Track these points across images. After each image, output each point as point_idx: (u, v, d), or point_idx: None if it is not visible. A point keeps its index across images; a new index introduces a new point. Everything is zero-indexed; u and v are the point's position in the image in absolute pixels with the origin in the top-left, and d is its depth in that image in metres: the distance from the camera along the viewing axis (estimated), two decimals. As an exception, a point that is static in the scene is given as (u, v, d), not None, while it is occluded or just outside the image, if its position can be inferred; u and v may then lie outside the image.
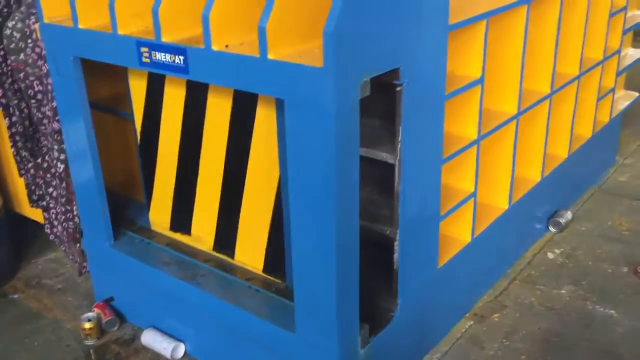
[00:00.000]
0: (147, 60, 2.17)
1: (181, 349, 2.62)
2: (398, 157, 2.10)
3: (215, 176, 2.46)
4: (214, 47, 1.95)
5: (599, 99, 3.68)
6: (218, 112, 2.34)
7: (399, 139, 2.07)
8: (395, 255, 2.25)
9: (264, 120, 2.21)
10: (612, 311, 2.82)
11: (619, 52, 3.83)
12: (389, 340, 2.30)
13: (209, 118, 2.39)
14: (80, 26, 2.33)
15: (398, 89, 2.00)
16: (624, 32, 3.82)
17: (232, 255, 2.56)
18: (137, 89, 2.59)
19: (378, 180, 2.35)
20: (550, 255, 3.27)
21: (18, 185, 3.27)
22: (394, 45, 1.91)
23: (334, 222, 1.88)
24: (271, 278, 2.45)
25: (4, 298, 3.09)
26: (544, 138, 3.11)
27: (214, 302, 2.40)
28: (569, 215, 3.52)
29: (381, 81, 1.93)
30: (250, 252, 2.49)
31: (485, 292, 2.97)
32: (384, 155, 2.14)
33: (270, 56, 1.82)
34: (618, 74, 3.92)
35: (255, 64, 1.85)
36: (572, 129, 3.41)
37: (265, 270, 2.46)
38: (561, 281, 3.05)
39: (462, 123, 2.52)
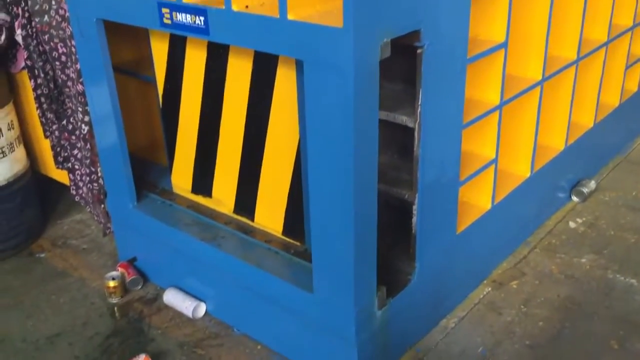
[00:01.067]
0: (169, 21, 2.18)
1: (202, 308, 2.68)
2: (418, 121, 2.09)
3: (236, 139, 2.48)
4: (234, 8, 1.95)
5: (627, 67, 3.61)
6: (239, 74, 2.35)
7: (419, 103, 2.06)
8: (414, 220, 2.25)
9: (284, 82, 2.21)
10: (633, 280, 2.80)
11: (650, 18, 3.73)
12: (405, 303, 2.32)
13: (229, 80, 2.39)
14: (104, -13, 2.35)
15: (419, 51, 1.98)
16: (657, -2, 3.72)
17: (252, 218, 2.59)
18: (159, 51, 2.60)
19: (398, 144, 2.35)
20: (572, 224, 3.25)
21: (44, 147, 3.33)
22: (414, 6, 1.89)
23: (352, 184, 1.89)
24: (290, 240, 2.48)
25: (31, 257, 3.17)
26: (569, 106, 3.07)
27: (234, 262, 2.44)
28: (592, 184, 3.48)
29: (402, 43, 1.91)
30: (270, 214, 2.51)
31: (505, 259, 2.96)
32: (403, 119, 2.14)
33: (290, 17, 1.82)
34: (649, 41, 3.82)
35: (275, 24, 1.85)
36: (598, 97, 3.36)
37: (284, 232, 2.49)
38: (582, 250, 3.03)
39: (484, 88, 2.49)
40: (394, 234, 2.37)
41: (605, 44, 3.22)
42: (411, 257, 2.32)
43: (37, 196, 3.33)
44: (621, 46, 3.46)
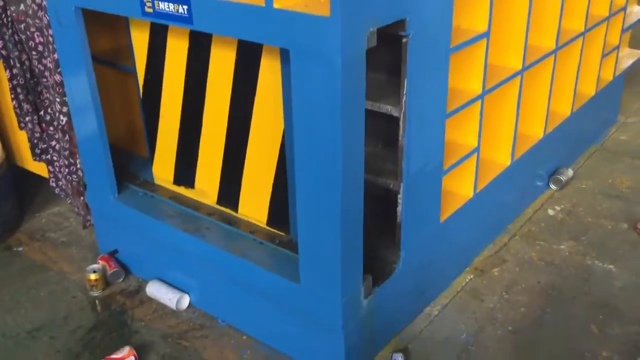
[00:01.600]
0: (150, 10, 2.14)
1: (186, 300, 2.66)
2: (403, 110, 2.10)
3: (219, 129, 2.46)
4: (218, -4, 1.93)
5: (603, 56, 3.65)
6: (222, 63, 2.32)
7: (404, 92, 2.07)
8: (399, 209, 2.26)
9: (269, 71, 2.19)
10: (611, 266, 2.85)
11: (624, 9, 3.78)
12: (390, 292, 2.34)
13: (212, 70, 2.37)
14: (82, -25, 2.30)
15: (404, 40, 1.99)
16: (631, -12, 3.78)
17: (235, 209, 2.58)
18: (140, 41, 2.57)
19: (382, 134, 2.35)
20: (550, 211, 3.30)
21: (20, 139, 3.27)
22: (400, -4, 1.89)
23: (339, 174, 1.89)
24: (275, 231, 2.47)
25: (8, 251, 3.12)
26: (548, 95, 3.10)
27: (218, 253, 2.43)
28: (569, 172, 3.53)
29: (386, 33, 1.91)
30: (254, 205, 2.50)
31: (486, 247, 3.00)
32: (388, 109, 2.14)
33: (275, 5, 1.80)
34: (623, 31, 3.88)
35: (260, 13, 1.84)
36: (575, 86, 3.40)
37: (269, 223, 2.48)
38: (561, 237, 3.08)
39: (467, 78, 2.50)
40: (378, 223, 2.37)
41: (583, 33, 3.26)
42: (396, 245, 2.33)
43: (13, 189, 3.27)
44: (598, 36, 3.51)
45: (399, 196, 2.25)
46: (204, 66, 2.39)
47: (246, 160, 2.43)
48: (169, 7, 2.08)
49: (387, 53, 2.07)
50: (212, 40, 2.31)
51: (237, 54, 2.27)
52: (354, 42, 1.77)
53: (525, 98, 2.90)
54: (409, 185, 2.23)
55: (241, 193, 2.52)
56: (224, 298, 2.56)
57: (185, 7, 2.03)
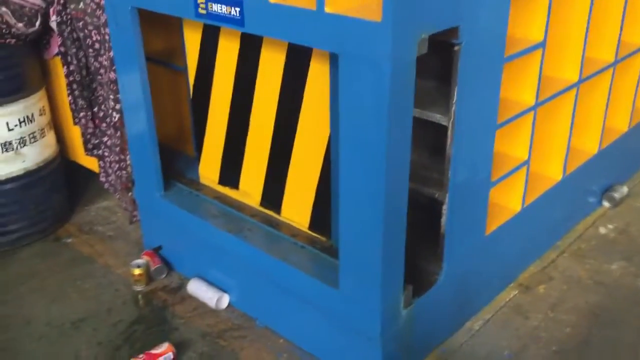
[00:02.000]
0: (204, 11, 2.17)
1: (225, 300, 2.68)
2: (452, 120, 2.06)
3: (265, 132, 2.47)
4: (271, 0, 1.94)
5: (664, 71, 3.52)
6: (271, 66, 2.33)
7: (454, 101, 2.03)
8: (443, 219, 2.22)
9: (317, 76, 2.19)
10: (664, 290, 2.74)
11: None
12: (431, 303, 2.29)
13: (261, 72, 2.38)
14: (140, -24, 2.35)
15: (456, 48, 1.95)
16: (698, 2, 3.63)
17: (278, 212, 2.58)
18: (192, 41, 2.60)
19: (429, 142, 2.32)
20: (602, 230, 3.19)
21: (74, 133, 3.35)
22: (454, 2, 1.86)
23: (383, 181, 1.86)
24: (316, 235, 2.47)
25: (57, 242, 3.20)
26: (604, 109, 3.01)
27: (259, 255, 2.43)
28: (624, 190, 3.41)
29: (438, 40, 1.88)
30: (297, 209, 2.50)
31: (533, 262, 2.92)
32: (437, 117, 2.11)
33: (327, 9, 1.80)
34: (687, 46, 3.73)
35: (311, 16, 1.83)
36: (634, 101, 3.29)
37: (310, 227, 2.48)
38: (612, 257, 2.97)
39: (520, 88, 2.45)
40: (421, 232, 2.33)
41: (643, 47, 3.15)
42: (439, 257, 2.29)
43: (65, 182, 3.36)
44: (659, 50, 3.38)
45: (444, 207, 2.21)
46: (254, 68, 2.40)
47: (291, 164, 2.43)
48: (221, 9, 2.10)
49: (438, 60, 2.03)
50: (263, 42, 2.32)
51: (287, 57, 2.27)
52: (405, 49, 1.75)
53: (580, 111, 2.82)
54: (454, 195, 2.19)
55: (284, 196, 2.52)
56: (263, 300, 2.56)
57: (238, 9, 2.04)
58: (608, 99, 3.00)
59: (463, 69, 1.99)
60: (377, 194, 1.90)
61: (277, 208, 2.58)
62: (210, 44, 2.53)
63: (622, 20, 2.84)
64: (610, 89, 2.98)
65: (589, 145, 3.08)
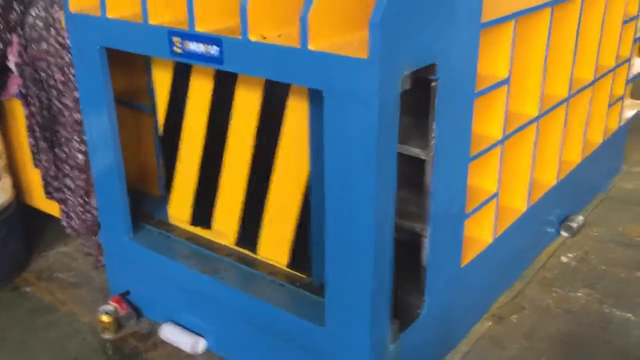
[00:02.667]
0: (179, 50, 2.16)
1: (202, 344, 2.60)
2: (431, 154, 2.10)
3: (241, 170, 2.45)
4: (251, 38, 1.95)
5: (610, 106, 3.71)
6: (247, 103, 2.33)
7: (433, 135, 2.07)
8: (424, 252, 2.24)
9: (296, 112, 2.20)
10: (629, 314, 2.83)
11: (629, 60, 3.87)
12: (414, 338, 2.30)
13: (236, 110, 2.38)
14: (109, 15, 2.32)
15: (433, 84, 2.01)
16: (635, 41, 3.87)
17: (254, 250, 2.55)
18: (161, 80, 2.58)
19: (407, 176, 2.34)
20: (563, 258, 3.28)
21: (30, 176, 3.24)
22: (431, 41, 1.92)
23: (373, 217, 1.88)
24: (296, 273, 2.44)
25: (16, 291, 3.05)
26: (560, 142, 3.13)
27: (238, 296, 2.39)
28: (580, 219, 3.54)
29: (414, 77, 1.92)
30: (274, 247, 2.47)
31: (503, 293, 2.97)
32: (416, 151, 2.14)
33: (311, 47, 1.82)
34: (628, 82, 3.96)
35: (295, 55, 1.85)
36: (585, 135, 3.44)
37: (290, 265, 2.45)
38: (576, 284, 3.06)
39: (487, 123, 2.52)
40: (401, 267, 2.35)
41: (592, 82, 3.31)
42: (420, 290, 2.30)
43: (22, 228, 3.22)
44: (605, 85, 3.57)
45: (425, 239, 2.23)
46: (228, 105, 2.40)
47: (268, 202, 2.42)
48: (199, 48, 2.09)
49: (413, 95, 2.08)
50: (238, 80, 2.32)
51: (264, 94, 2.28)
52: (390, 85, 1.78)
53: (539, 145, 2.93)
54: (434, 228, 2.22)
55: (261, 234, 2.50)
56: (243, 342, 2.50)
57: (217, 48, 2.04)
58: (564, 132, 3.13)
59: (440, 103, 2.04)
60: (366, 230, 1.90)
61: (253, 247, 2.55)
62: (181, 83, 2.51)
63: (574, 57, 2.98)
64: (565, 122, 3.11)
65: (548, 177, 3.19)
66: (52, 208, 3.22)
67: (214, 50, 2.06)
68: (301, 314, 2.23)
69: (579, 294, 2.98)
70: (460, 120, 2.22)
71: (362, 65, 1.73)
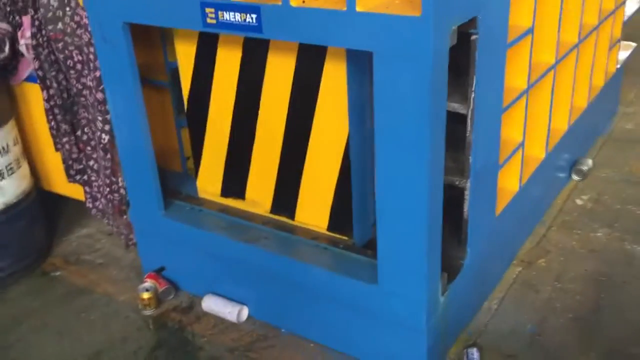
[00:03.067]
0: (213, 21, 2.13)
1: (245, 312, 2.64)
2: (471, 107, 2.13)
3: (275, 137, 2.45)
4: (293, 3, 1.93)
5: (610, 48, 3.78)
6: (280, 70, 2.32)
7: (473, 89, 2.10)
8: (466, 205, 2.29)
9: (333, 75, 2.20)
10: (650, 249, 2.95)
11: (624, 2, 3.92)
12: (458, 288, 2.36)
13: (268, 77, 2.37)
14: (133, -10, 2.27)
15: (473, 37, 2.02)
16: (631, -18, 3.93)
17: (291, 217, 2.57)
18: (185, 54, 2.55)
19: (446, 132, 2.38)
20: (578, 201, 3.38)
21: (47, 161, 3.20)
22: (474, -6, 1.93)
23: (426, 173, 1.91)
24: (337, 235, 2.48)
25: (45, 276, 3.04)
26: (572, 88, 3.19)
27: (283, 261, 2.42)
28: (590, 162, 3.63)
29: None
30: (313, 211, 2.50)
31: (527, 239, 3.06)
32: (455, 106, 2.17)
33: (358, 8, 1.82)
34: (624, 23, 4.02)
35: (342, 17, 1.85)
36: (590, 79, 3.50)
37: (330, 228, 2.48)
38: (595, 225, 3.16)
39: (513, 73, 2.55)
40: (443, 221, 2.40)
41: (597, 26, 3.36)
42: (463, 241, 2.36)
43: (44, 213, 3.19)
44: (606, 28, 3.62)
45: (466, 192, 2.28)
46: (259, 74, 2.38)
47: (305, 167, 2.43)
48: (235, 17, 2.07)
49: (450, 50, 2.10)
50: (270, 46, 2.31)
51: (297, 60, 2.27)
52: (441, 41, 1.80)
53: (555, 92, 2.98)
54: (474, 181, 2.27)
55: (299, 200, 2.52)
56: (286, 307, 2.54)
57: (254, 15, 2.02)
58: (574, 78, 3.19)
59: (480, 57, 2.06)
60: (420, 186, 1.94)
61: (290, 213, 2.57)
62: (207, 55, 2.48)
63: (583, 6, 3.02)
64: (575, 68, 3.16)
65: (561, 123, 3.26)
66: (73, 192, 3.19)
67: (251, 18, 2.04)
68: (351, 274, 2.28)
69: (599, 234, 3.08)
70: (495, 73, 2.25)
71: (415, 23, 1.73)
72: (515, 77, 2.56)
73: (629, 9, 4.22)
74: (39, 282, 2.99)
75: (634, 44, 4.51)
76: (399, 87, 1.84)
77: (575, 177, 3.59)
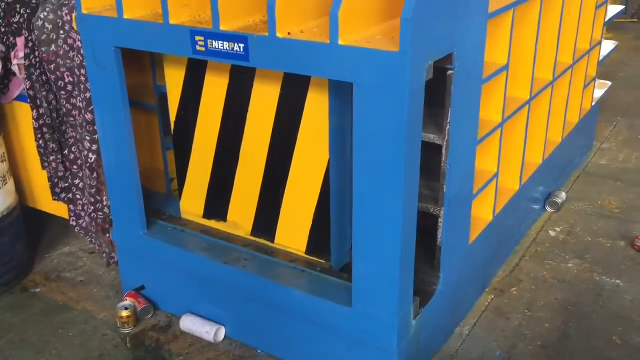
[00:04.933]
0: (202, 49, 2.22)
1: (222, 332, 2.68)
2: (446, 139, 2.23)
3: (258, 162, 2.53)
4: (279, 35, 2.03)
5: (585, 86, 3.92)
6: (264, 97, 2.41)
7: (448, 121, 2.20)
8: (440, 232, 2.38)
9: (316, 104, 2.29)
10: (618, 281, 3.04)
11: (600, 42, 4.09)
12: (431, 313, 2.43)
13: (254, 103, 2.45)
14: (126, 17, 2.36)
15: (449, 73, 2.13)
16: (606, 24, 4.09)
17: (271, 240, 2.64)
18: (174, 77, 2.63)
19: (421, 161, 2.47)
20: (552, 232, 3.48)
21: (33, 179, 3.25)
22: (450, 31, 2.04)
23: (401, 200, 1.99)
24: (314, 259, 2.54)
25: (25, 292, 3.06)
26: (546, 123, 3.31)
27: (262, 283, 2.48)
28: (563, 195, 3.74)
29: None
30: (293, 235, 2.57)
31: (501, 268, 3.14)
32: (431, 137, 2.27)
33: (341, 42, 1.92)
34: (600, 63, 4.18)
35: (325, 50, 1.94)
36: (565, 115, 3.63)
37: (308, 251, 2.55)
38: (567, 256, 3.26)
39: (488, 107, 2.66)
40: (417, 247, 2.48)
41: (571, 65, 3.51)
42: (436, 267, 2.44)
43: (26, 230, 3.23)
44: (581, 67, 3.77)
45: (440, 220, 2.37)
46: (245, 100, 2.47)
47: (286, 191, 2.51)
48: (223, 46, 2.16)
49: (427, 84, 2.20)
50: (256, 74, 2.40)
51: (282, 87, 2.36)
52: (418, 76, 1.90)
53: (530, 126, 3.10)
54: (448, 209, 2.36)
55: (279, 224, 2.59)
56: (263, 328, 2.59)
57: (242, 45, 2.12)
58: (549, 114, 3.31)
59: (455, 91, 2.17)
60: (394, 213, 2.02)
61: (270, 236, 2.63)
62: (195, 80, 2.57)
63: (558, 42, 3.16)
64: (550, 104, 3.29)
65: (536, 157, 3.38)
66: (57, 209, 3.24)
67: (239, 47, 2.13)
68: (327, 296, 2.34)
69: (570, 265, 3.18)
70: (470, 106, 2.36)
71: (393, 58, 1.84)
72: (491, 111, 2.68)
73: (605, 50, 4.41)
74: (19, 298, 3.02)
75: (609, 83, 4.69)
76: (377, 117, 1.94)
77: (549, 209, 3.70)
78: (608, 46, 4.59)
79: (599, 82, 4.58)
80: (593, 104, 4.26)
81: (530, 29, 2.83)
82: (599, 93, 4.44)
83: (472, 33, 2.20)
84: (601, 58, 4.22)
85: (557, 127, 3.63)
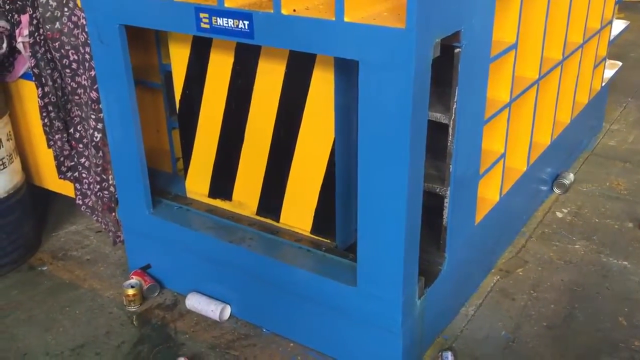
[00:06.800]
0: (207, 26, 2.20)
1: (227, 311, 2.69)
2: (453, 118, 2.21)
3: (263, 141, 2.52)
4: (284, 12, 2.01)
5: (595, 66, 3.87)
6: (270, 75, 2.39)
7: (455, 100, 2.18)
8: (445, 212, 2.37)
9: (321, 82, 2.27)
10: (625, 262, 3.02)
11: (611, 22, 4.03)
12: (437, 292, 2.43)
13: (259, 81, 2.43)
14: (130, -7, 2.34)
15: (457, 50, 2.10)
16: (617, 3, 4.03)
17: (276, 219, 2.63)
18: (179, 56, 2.61)
19: (427, 140, 2.45)
20: (559, 214, 3.46)
21: (39, 158, 3.25)
22: (458, 8, 2.01)
23: (406, 179, 1.98)
24: (320, 238, 2.54)
25: (32, 270, 3.08)
26: (555, 103, 3.28)
27: (267, 262, 2.48)
28: (571, 176, 3.72)
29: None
30: (298, 214, 2.56)
31: (506, 249, 3.13)
32: (437, 116, 2.25)
33: (346, 19, 1.89)
34: (610, 43, 4.13)
35: (331, 27, 1.92)
36: (574, 95, 3.59)
37: (313, 231, 2.55)
38: (574, 237, 3.24)
39: (496, 87, 2.63)
40: (422, 227, 2.47)
41: (581, 45, 3.46)
42: (441, 247, 2.43)
43: (33, 208, 3.24)
44: (591, 47, 3.72)
45: (446, 200, 2.35)
46: (250, 78, 2.45)
47: (291, 171, 2.50)
48: (228, 23, 2.14)
49: (434, 62, 2.17)
50: (261, 53, 2.38)
51: (287, 66, 2.34)
52: (424, 53, 1.87)
53: (538, 106, 3.06)
54: (454, 189, 2.34)
55: (284, 203, 2.58)
56: (268, 307, 2.60)
57: (247, 22, 2.09)
58: (558, 94, 3.28)
59: (462, 69, 2.14)
60: (399, 192, 2.01)
61: (275, 216, 2.63)
62: (200, 58, 2.55)
63: (568, 21, 3.11)
64: (559, 84, 3.26)
65: (544, 138, 3.35)
66: (63, 188, 3.24)
67: (243, 24, 2.11)
68: (332, 276, 2.34)
69: (577, 246, 3.17)
70: (477, 85, 2.33)
71: (399, 35, 1.81)
72: (498, 91, 2.65)
73: (615, 29, 4.34)
74: (26, 276, 3.04)
75: (619, 63, 4.63)
76: (382, 95, 1.92)
77: (556, 191, 3.67)
78: (619, 26, 4.52)
79: (609, 62, 4.52)
80: (603, 84, 4.21)
81: (539, 6, 2.79)
82: (609, 73, 4.39)
83: (480, 10, 2.16)
84: (612, 38, 4.16)
85: (566, 107, 3.59)
